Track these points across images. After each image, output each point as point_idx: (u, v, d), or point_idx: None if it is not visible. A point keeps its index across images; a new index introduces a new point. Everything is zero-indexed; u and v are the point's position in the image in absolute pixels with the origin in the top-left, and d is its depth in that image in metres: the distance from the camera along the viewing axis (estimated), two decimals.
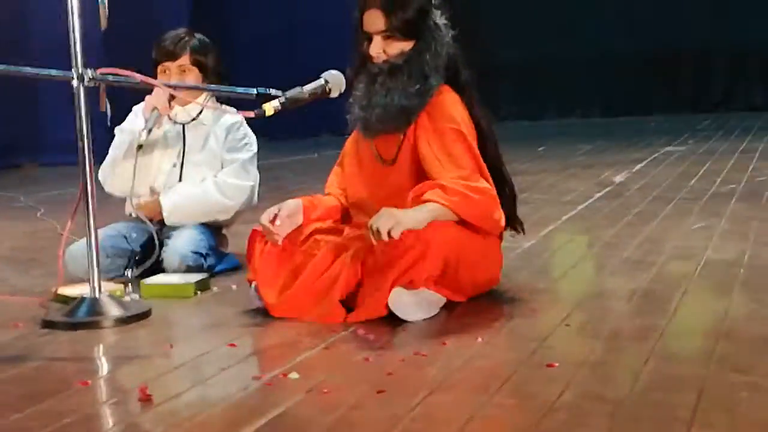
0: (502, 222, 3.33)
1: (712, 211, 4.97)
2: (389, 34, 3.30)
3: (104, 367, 2.89)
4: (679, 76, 12.64)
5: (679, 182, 6.15)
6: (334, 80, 3.25)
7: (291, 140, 11.03)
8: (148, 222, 3.94)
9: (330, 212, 3.50)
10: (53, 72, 3.44)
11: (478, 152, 3.32)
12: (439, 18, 3.33)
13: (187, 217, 4.07)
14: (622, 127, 10.94)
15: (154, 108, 3.97)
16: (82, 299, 3.39)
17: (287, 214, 3.38)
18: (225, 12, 11.69)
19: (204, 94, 4.08)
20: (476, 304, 3.29)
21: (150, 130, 3.95)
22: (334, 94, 3.27)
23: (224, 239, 4.30)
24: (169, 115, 4.10)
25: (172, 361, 2.85)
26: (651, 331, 2.86)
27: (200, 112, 4.15)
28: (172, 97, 3.96)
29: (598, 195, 5.81)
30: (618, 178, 6.52)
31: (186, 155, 4.13)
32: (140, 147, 3.97)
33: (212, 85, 3.20)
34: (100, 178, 4.14)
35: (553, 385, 2.41)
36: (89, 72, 3.32)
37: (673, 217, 4.85)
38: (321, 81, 3.24)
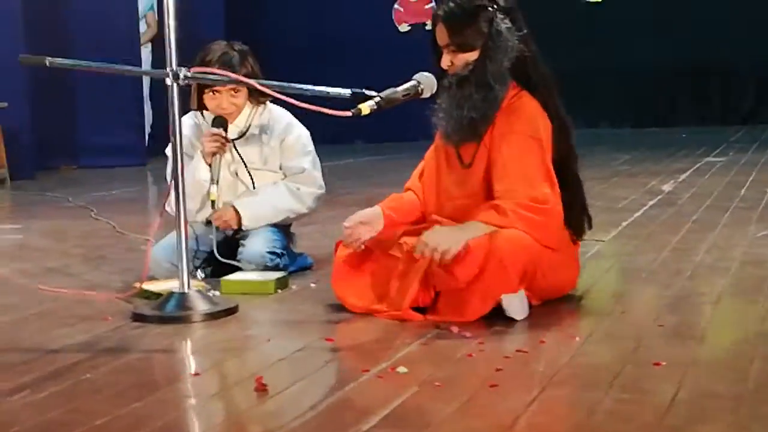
0: (566, 236, 3.35)
1: None
2: (453, 48, 3.35)
3: (210, 358, 2.92)
4: (708, 88, 12.64)
5: (730, 191, 6.17)
6: (426, 81, 3.28)
7: (325, 145, 11.03)
8: (216, 230, 3.99)
9: (411, 212, 3.53)
10: (148, 69, 3.46)
11: (548, 161, 3.32)
12: (503, 23, 3.30)
13: (264, 222, 4.08)
14: (653, 138, 10.96)
15: (214, 154, 3.96)
16: (171, 294, 3.43)
17: (361, 220, 3.43)
18: (258, 18, 11.73)
19: (253, 108, 4.10)
20: (560, 305, 3.32)
21: (217, 180, 3.97)
22: (426, 95, 3.30)
23: (293, 237, 4.33)
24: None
25: (274, 354, 2.90)
26: (747, 332, 2.89)
27: (248, 129, 4.11)
28: (225, 137, 3.99)
29: (651, 203, 5.84)
30: (666, 187, 6.54)
31: (246, 166, 4.11)
32: (213, 202, 4.01)
33: (305, 86, 3.21)
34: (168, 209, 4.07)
35: (665, 382, 2.44)
36: (183, 71, 3.35)
37: (734, 225, 4.87)
38: (414, 82, 3.27)
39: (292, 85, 3.26)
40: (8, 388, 2.60)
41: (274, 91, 3.23)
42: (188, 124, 4.10)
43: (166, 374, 2.75)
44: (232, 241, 4.10)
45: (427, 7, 11.76)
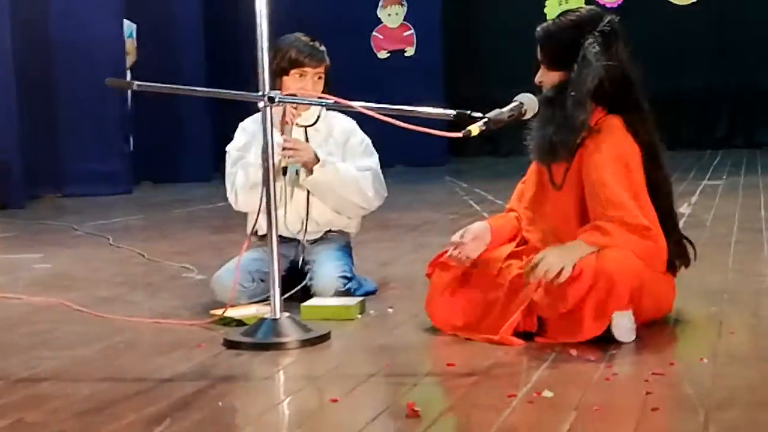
0: (665, 256, 3.33)
1: None
2: (544, 65, 3.37)
3: (338, 384, 2.82)
4: (681, 114, 12.76)
5: (750, 213, 6.20)
6: (528, 103, 3.26)
7: None
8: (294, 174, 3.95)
9: (512, 231, 3.49)
10: (243, 93, 3.37)
11: (639, 185, 3.29)
12: (592, 47, 3.28)
13: (334, 183, 3.97)
14: None
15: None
16: (263, 320, 3.35)
17: (472, 237, 3.39)
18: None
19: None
20: (661, 327, 3.29)
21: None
22: (529, 116, 3.28)
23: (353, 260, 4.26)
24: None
25: (404, 380, 2.83)
26: None
27: (318, 117, 4.11)
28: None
29: (681, 224, 5.84)
30: (683, 210, 6.56)
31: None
32: (285, 168, 3.95)
33: (411, 107, 3.17)
34: (232, 200, 4.07)
35: None
36: (276, 94, 3.29)
37: None
38: (517, 102, 3.25)
39: (395, 106, 3.21)
40: (145, 420, 2.51)
41: (379, 113, 3.17)
42: (257, 121, 4.06)
43: (304, 400, 2.67)
44: (296, 268, 4.02)
45: (405, 34, 11.78)
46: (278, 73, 3.94)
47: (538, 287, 3.17)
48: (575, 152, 3.34)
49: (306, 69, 4.00)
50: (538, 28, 3.40)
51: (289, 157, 3.93)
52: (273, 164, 3.37)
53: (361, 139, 4.15)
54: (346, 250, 4.15)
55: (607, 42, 3.32)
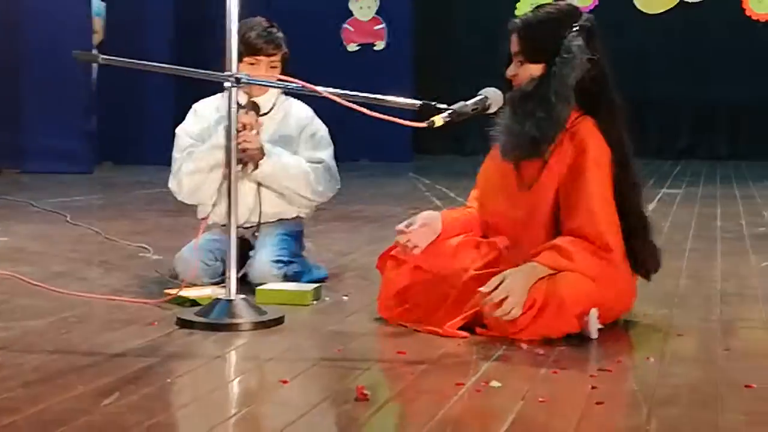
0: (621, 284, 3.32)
1: (767, 251, 5.09)
2: (521, 58, 3.33)
3: (290, 367, 2.83)
4: (646, 123, 12.84)
5: (706, 222, 6.28)
6: (493, 96, 3.26)
7: None
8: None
9: (469, 224, 3.49)
10: (210, 72, 3.37)
11: (610, 194, 3.27)
12: (575, 40, 3.26)
13: (280, 176, 3.94)
14: None
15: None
16: (217, 301, 3.35)
17: (421, 224, 3.37)
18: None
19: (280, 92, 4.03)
20: (612, 327, 3.32)
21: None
22: (493, 110, 3.28)
23: (303, 246, 4.26)
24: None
25: (356, 364, 2.85)
26: None
27: (273, 105, 4.06)
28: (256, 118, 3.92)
29: None
30: None
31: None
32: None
33: (377, 95, 3.17)
34: (174, 188, 4.03)
35: None
36: (243, 75, 3.29)
37: (733, 255, 4.96)
38: (482, 96, 3.25)
39: (360, 94, 3.21)
40: (94, 392, 2.51)
41: (345, 99, 3.17)
42: (212, 106, 4.04)
43: (255, 382, 2.68)
44: (243, 251, 4.00)
45: (376, 28, 11.79)
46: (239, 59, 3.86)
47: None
48: (551, 150, 3.29)
49: (259, 57, 3.94)
50: (516, 20, 3.35)
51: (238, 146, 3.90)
52: (236, 146, 3.37)
53: (315, 129, 4.10)
54: (293, 235, 4.13)
55: (589, 37, 3.30)
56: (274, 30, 4.01)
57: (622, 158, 3.35)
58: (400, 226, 3.39)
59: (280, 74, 3.92)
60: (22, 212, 6.43)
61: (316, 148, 4.09)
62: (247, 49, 3.91)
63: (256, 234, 4.04)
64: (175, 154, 4.05)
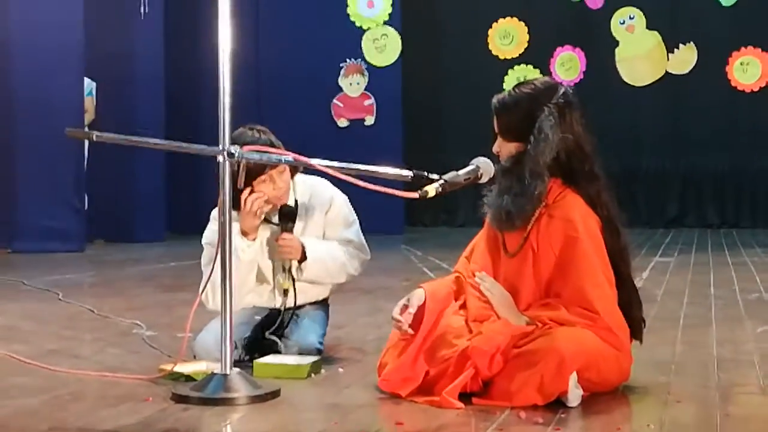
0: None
1: (761, 316, 5.08)
2: (501, 136, 3.41)
3: None
4: (635, 194, 12.88)
5: (700, 290, 6.28)
6: (484, 167, 3.31)
7: None
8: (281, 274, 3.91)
9: (451, 292, 3.49)
10: (202, 146, 3.38)
11: (597, 265, 3.31)
12: (548, 120, 3.32)
13: (321, 267, 3.94)
14: None
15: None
16: (212, 375, 3.33)
17: (418, 305, 3.39)
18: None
19: (293, 183, 4.02)
20: (609, 393, 3.30)
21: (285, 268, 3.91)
22: (484, 180, 3.32)
23: None
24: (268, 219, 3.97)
25: None
26: None
27: (296, 202, 4.01)
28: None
29: None
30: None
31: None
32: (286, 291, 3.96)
33: (369, 166, 3.18)
34: (207, 299, 3.83)
35: None
36: (236, 149, 3.30)
37: (728, 322, 4.96)
38: (474, 166, 3.29)
39: (353, 165, 3.24)
40: None
41: (339, 172, 3.19)
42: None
43: None
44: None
45: (366, 103, 11.87)
46: (246, 182, 3.74)
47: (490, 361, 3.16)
48: (533, 223, 3.37)
49: (271, 173, 3.86)
50: (494, 99, 3.43)
51: (285, 254, 3.89)
52: (229, 220, 3.36)
53: (339, 207, 4.05)
54: (326, 308, 4.13)
55: (563, 114, 3.37)
56: (264, 136, 3.88)
57: (611, 228, 3.41)
58: (396, 315, 3.40)
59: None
60: (13, 291, 6.40)
61: (342, 229, 4.05)
62: (254, 172, 3.80)
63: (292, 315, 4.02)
64: (205, 265, 3.91)
